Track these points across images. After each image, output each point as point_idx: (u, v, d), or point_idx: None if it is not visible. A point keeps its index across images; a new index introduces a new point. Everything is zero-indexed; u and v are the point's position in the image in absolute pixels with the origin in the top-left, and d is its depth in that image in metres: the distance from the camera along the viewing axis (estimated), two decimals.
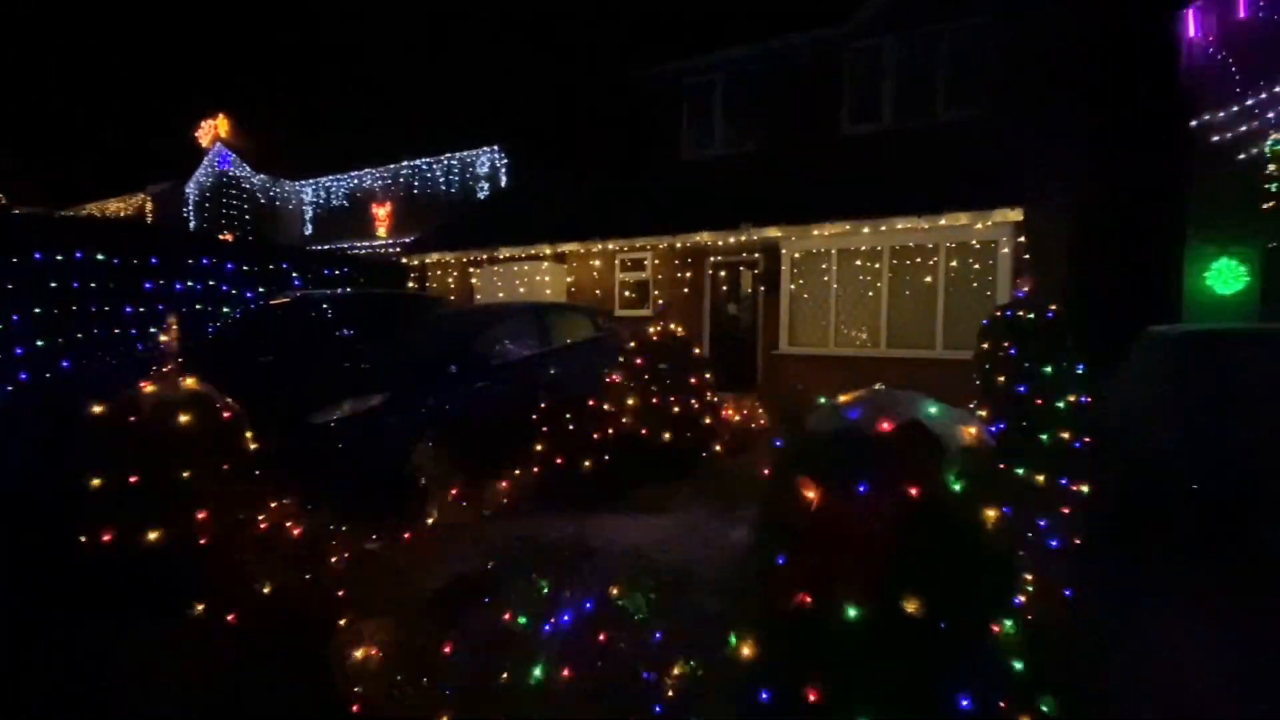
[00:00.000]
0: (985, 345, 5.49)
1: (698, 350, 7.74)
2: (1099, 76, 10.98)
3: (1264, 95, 9.32)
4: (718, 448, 7.16)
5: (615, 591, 2.62)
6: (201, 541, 2.65)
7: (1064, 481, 4.40)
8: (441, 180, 20.08)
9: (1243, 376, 5.40)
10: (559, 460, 5.77)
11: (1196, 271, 10.02)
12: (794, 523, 1.98)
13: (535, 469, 5.62)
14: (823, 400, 2.15)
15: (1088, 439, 4.58)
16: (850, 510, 1.83)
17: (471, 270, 14.14)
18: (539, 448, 5.92)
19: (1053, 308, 5.47)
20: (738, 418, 8.61)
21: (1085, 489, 4.52)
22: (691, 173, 13.28)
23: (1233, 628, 3.39)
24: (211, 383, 3.01)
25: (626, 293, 12.84)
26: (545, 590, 2.74)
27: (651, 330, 7.55)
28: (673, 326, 7.67)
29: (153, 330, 9.05)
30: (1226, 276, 9.73)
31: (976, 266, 9.58)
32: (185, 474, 2.65)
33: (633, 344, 7.42)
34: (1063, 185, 10.06)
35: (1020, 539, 2.89)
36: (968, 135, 10.48)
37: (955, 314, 9.61)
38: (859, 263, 10.43)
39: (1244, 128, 9.46)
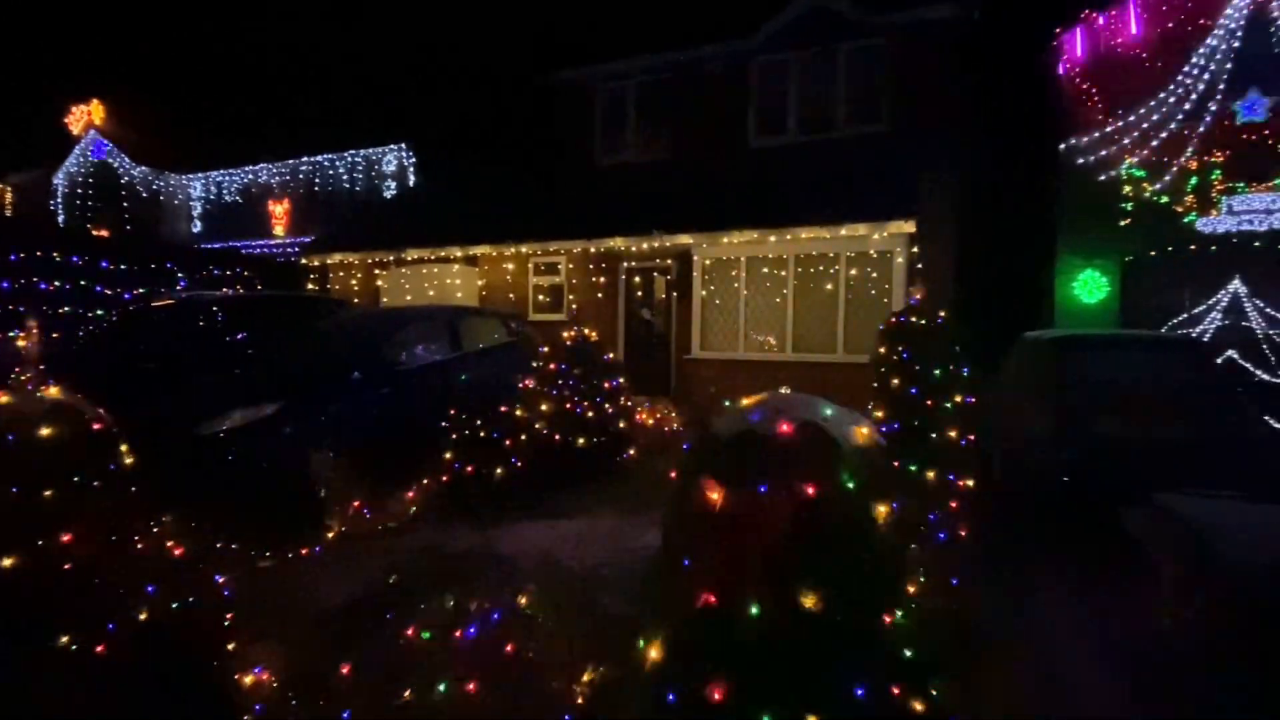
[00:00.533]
0: (882, 350, 5.79)
1: (611, 355, 7.77)
2: (982, 100, 11.85)
3: (1121, 123, 10.34)
4: (631, 452, 7.22)
5: (524, 600, 2.60)
6: (66, 566, 2.42)
7: (951, 477, 4.70)
8: (345, 178, 19.26)
9: (1097, 375, 5.98)
10: (469, 468, 5.64)
11: (1066, 282, 10.98)
12: (699, 524, 2.02)
13: (444, 478, 5.48)
14: (728, 403, 2.22)
15: (971, 437, 4.91)
16: (751, 510, 1.89)
17: (377, 272, 13.62)
18: (448, 455, 5.77)
19: (942, 314, 5.82)
20: (652, 421, 8.71)
21: (971, 483, 4.85)
22: (606, 178, 13.33)
23: (1097, 607, 3.73)
24: (82, 391, 2.76)
25: (541, 297, 12.73)
26: (451, 603, 2.67)
27: (565, 335, 7.53)
28: (586, 331, 7.67)
29: (10, 334, 8.20)
30: (1091, 287, 10.71)
31: (874, 275, 10.10)
32: (47, 493, 2.41)
33: (546, 349, 7.37)
34: (950, 200, 10.78)
35: (912, 532, 3.07)
36: (866, 150, 11.04)
37: (855, 320, 10.09)
38: (767, 270, 10.78)
39: (1105, 152, 10.46)
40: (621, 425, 7.37)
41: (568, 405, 6.80)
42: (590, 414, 7.00)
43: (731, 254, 10.92)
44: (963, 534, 4.10)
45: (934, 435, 4.85)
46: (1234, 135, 9.87)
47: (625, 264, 12.17)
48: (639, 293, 12.40)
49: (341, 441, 5.40)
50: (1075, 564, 4.31)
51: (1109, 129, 10.40)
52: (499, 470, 5.75)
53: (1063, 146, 10.86)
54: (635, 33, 13.73)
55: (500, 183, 14.64)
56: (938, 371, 5.00)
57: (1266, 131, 9.74)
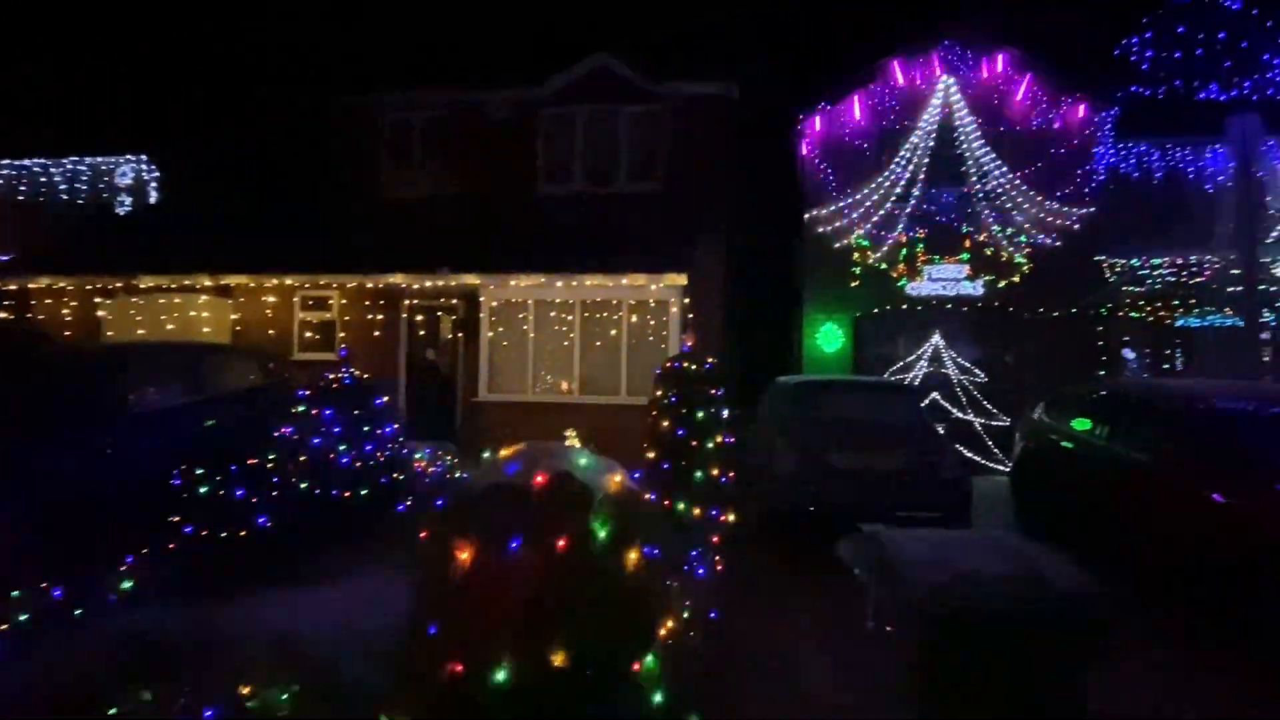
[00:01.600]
0: (658, 392, 6.13)
1: (386, 398, 7.30)
2: (744, 169, 13.31)
3: (849, 200, 12.20)
4: (408, 502, 6.78)
5: (247, 691, 2.25)
6: None
7: (715, 513, 5.05)
8: (62, 188, 16.16)
9: (832, 415, 6.90)
10: (204, 532, 4.89)
11: (811, 333, 12.55)
12: (448, 586, 1.94)
13: (170, 545, 4.68)
14: (486, 454, 2.17)
15: (732, 474, 5.33)
16: (502, 568, 1.86)
17: (99, 301, 11.53)
18: (177, 518, 4.95)
19: (710, 360, 6.32)
20: (432, 468, 8.28)
21: (731, 518, 5.25)
22: (390, 211, 12.67)
23: (840, 628, 4.21)
24: None
25: (309, 334, 11.64)
26: (150, 699, 2.23)
27: (333, 377, 6.94)
28: (358, 372, 7.15)
29: None
30: (830, 338, 12.36)
31: (653, 322, 10.72)
32: None
33: (309, 392, 6.71)
34: (718, 257, 11.85)
35: (673, 571, 3.22)
36: (645, 205, 11.79)
37: (637, 364, 10.59)
38: (554, 314, 10.94)
39: (839, 224, 12.25)
40: (396, 475, 6.92)
41: (331, 455, 6.23)
42: (358, 464, 6.48)
43: (520, 296, 10.93)
44: (719, 568, 4.40)
45: (699, 474, 5.19)
46: (931, 217, 12.13)
47: (408, 302, 11.62)
48: (423, 332, 11.88)
49: (25, 506, 4.40)
50: (818, 590, 4.85)
51: (841, 204, 12.22)
52: (241, 533, 5.05)
53: (807, 216, 12.51)
54: (428, 66, 13.39)
55: (265, 207, 13.25)
56: (701, 414, 5.39)
57: (954, 215, 12.12)
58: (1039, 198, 11.63)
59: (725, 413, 5.78)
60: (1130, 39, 12.65)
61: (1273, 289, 10.51)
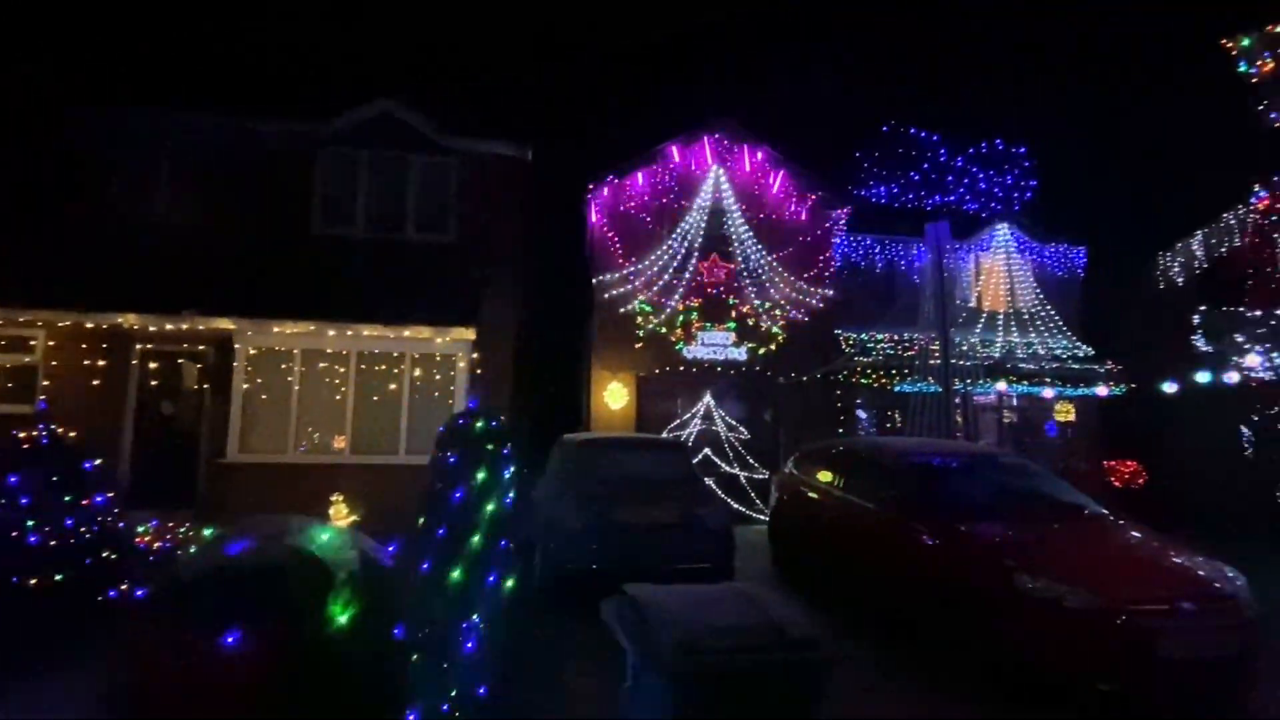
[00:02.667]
0: (439, 452, 5.86)
1: (99, 461, 6.14)
2: (538, 230, 13.61)
3: (635, 268, 12.98)
4: (124, 587, 5.67)
5: None
6: None
7: (492, 580, 4.89)
8: None
9: (613, 471, 7.14)
10: None
11: (599, 391, 12.95)
12: (155, 692, 1.65)
13: None
14: (207, 532, 1.92)
15: (509, 541, 5.23)
16: (219, 666, 1.63)
17: None
18: None
19: (498, 417, 6.20)
20: (158, 544, 7.06)
21: (510, 583, 5.12)
22: (129, 241, 10.74)
23: (607, 691, 4.23)
24: None
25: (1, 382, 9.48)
26: None
27: (24, 435, 5.70)
28: (60, 429, 5.95)
29: None
30: (616, 396, 12.85)
31: (438, 377, 10.34)
32: None
33: None
34: (510, 313, 11.84)
35: (434, 647, 3.05)
36: (435, 256, 11.44)
37: (419, 421, 10.08)
38: (326, 365, 10.09)
39: (625, 288, 12.94)
40: (106, 554, 5.77)
41: (14, 532, 5.06)
42: (54, 541, 5.31)
43: (284, 344, 9.94)
44: (494, 640, 4.25)
45: (476, 539, 5.02)
46: (703, 288, 13.30)
47: (141, 346, 10.00)
48: (157, 382, 10.24)
49: None
50: (585, 652, 4.88)
51: (627, 271, 12.96)
52: None
53: (596, 280, 13.06)
54: (192, 82, 11.97)
55: None
56: (483, 475, 5.26)
57: (723, 288, 13.41)
58: (791, 277, 13.35)
59: (509, 472, 5.70)
60: (859, 153, 15.27)
61: (963, 363, 13.01)
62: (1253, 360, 8.40)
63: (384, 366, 10.23)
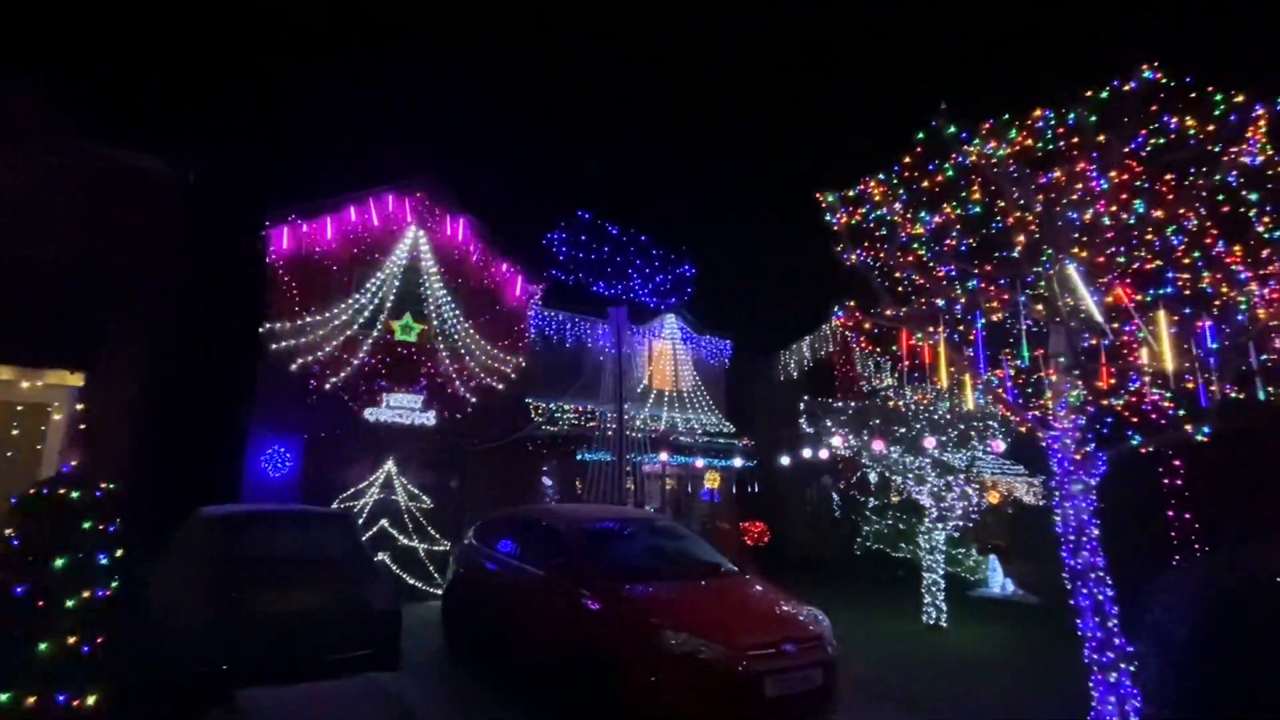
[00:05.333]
0: (7, 530, 4.46)
1: None
2: (191, 263, 11.66)
3: (314, 319, 11.84)
4: None
5: None
6: None
7: (62, 699, 3.81)
8: None
9: (257, 551, 6.18)
10: None
11: (256, 456, 11.29)
12: None
13: None
14: None
15: (100, 639, 4.17)
16: None
17: None
18: None
19: (105, 485, 4.97)
20: None
21: (92, 701, 4.04)
22: None
23: None
24: None
25: None
26: None
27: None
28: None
29: None
30: (278, 462, 11.33)
31: (18, 432, 8.02)
32: None
33: None
34: (139, 356, 9.79)
35: None
36: (36, 279, 9.03)
37: None
38: None
39: (300, 341, 11.68)
40: None
41: None
42: None
43: None
44: None
45: (44, 645, 3.89)
46: (393, 348, 12.67)
47: None
48: None
49: None
50: None
51: (305, 322, 11.75)
52: None
53: (265, 329, 11.57)
54: None
55: None
56: (62, 562, 4.13)
57: (414, 349, 12.91)
58: (486, 344, 13.45)
59: (106, 557, 4.58)
60: (553, 234, 16.32)
61: (635, 434, 14.30)
62: (838, 440, 10.79)
63: None
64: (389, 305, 12.55)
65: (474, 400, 13.10)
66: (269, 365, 11.51)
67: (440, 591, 10.71)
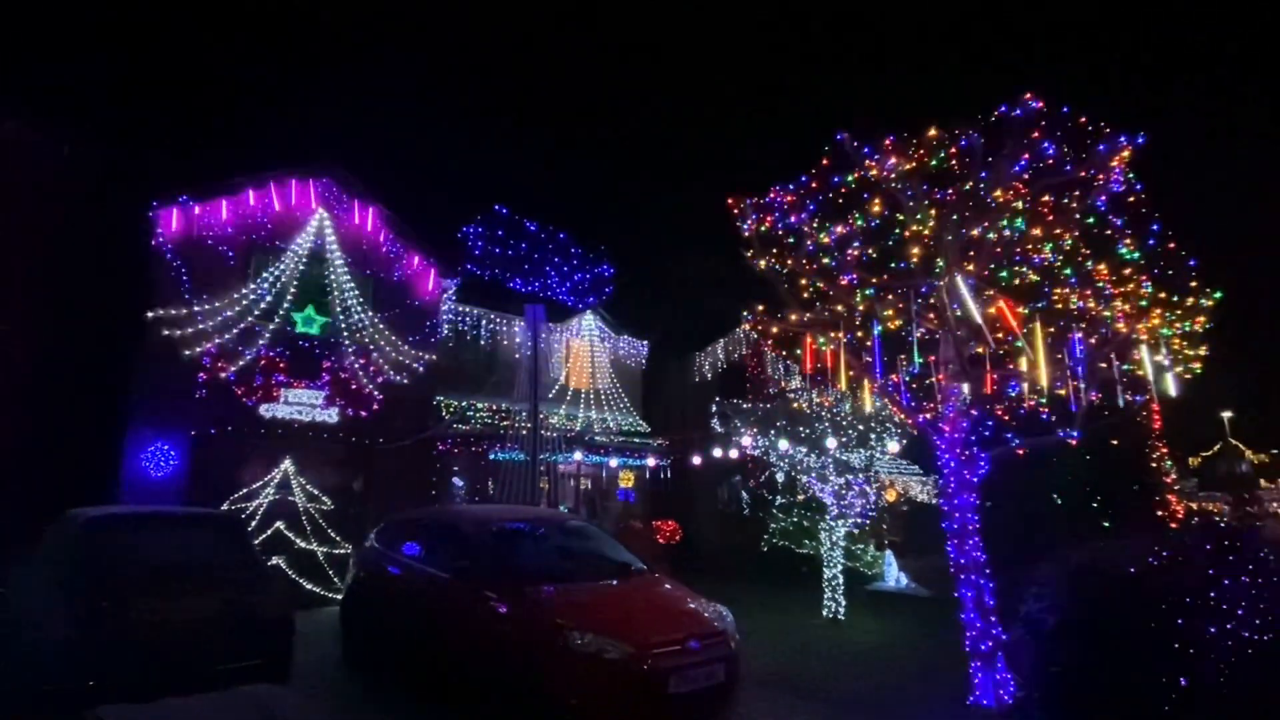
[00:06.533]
0: None
1: None
2: (62, 242, 10.68)
3: (206, 307, 11.08)
4: None
5: None
6: None
7: None
8: None
9: (132, 556, 5.72)
10: None
11: (137, 454, 10.45)
12: None
13: None
14: None
15: None
16: None
17: None
18: None
19: None
20: None
21: None
22: None
23: None
24: None
25: None
26: None
27: None
28: None
29: None
30: (161, 460, 10.53)
31: None
32: None
33: None
34: (1, 345, 8.90)
35: None
36: None
37: None
38: None
39: (190, 330, 10.90)
40: None
41: None
42: None
43: None
44: None
45: None
46: (294, 340, 12.03)
47: None
48: None
49: None
50: None
51: (195, 310, 10.98)
52: None
53: (150, 316, 10.74)
54: None
55: None
56: None
57: (317, 342, 12.30)
58: (395, 339, 12.97)
59: None
60: (468, 228, 15.94)
61: (550, 434, 14.16)
62: (748, 440, 11.08)
63: None
64: (290, 295, 11.90)
65: (381, 397, 12.61)
66: (154, 355, 10.69)
67: (339, 597, 10.28)
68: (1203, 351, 6.16)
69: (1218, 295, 5.81)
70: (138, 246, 11.38)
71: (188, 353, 10.82)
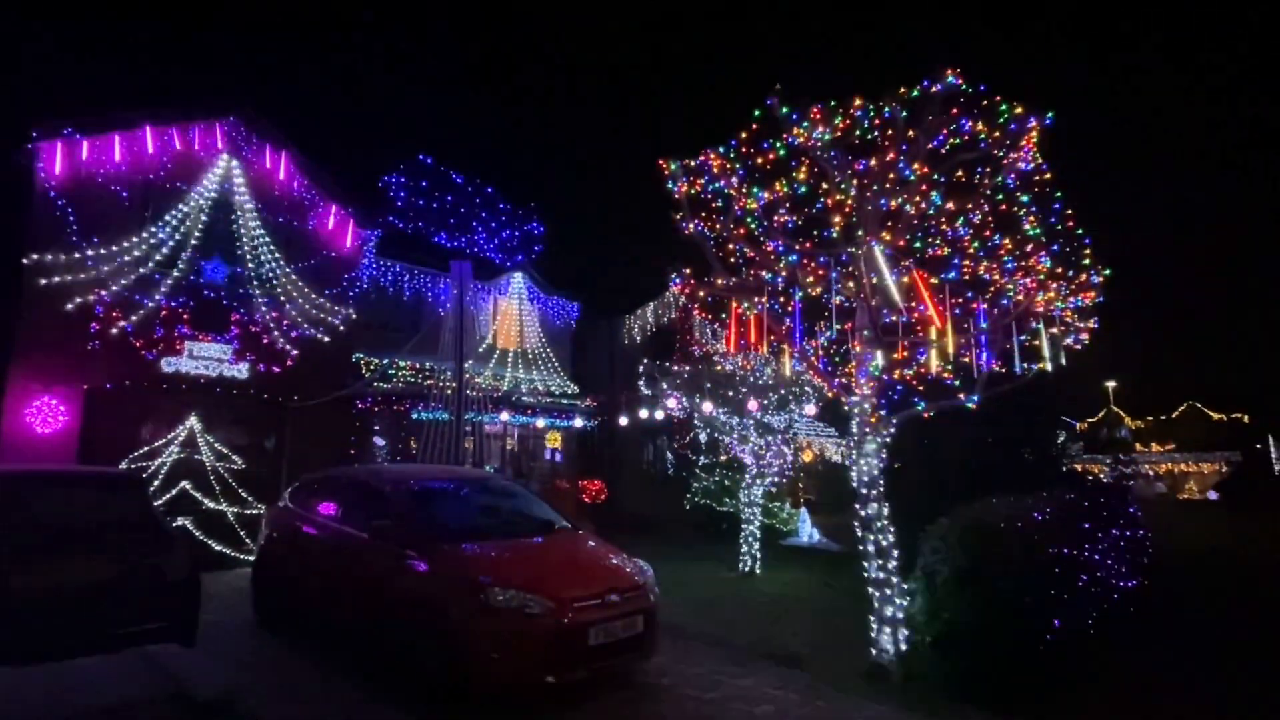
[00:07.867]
0: None
1: None
2: None
3: (98, 253, 10.24)
4: None
5: None
6: None
7: None
8: None
9: (12, 519, 5.35)
10: None
11: (19, 409, 9.68)
12: None
13: None
14: None
15: None
16: None
17: None
18: None
19: None
20: None
21: None
22: None
23: None
24: None
25: None
26: None
27: None
28: None
29: None
30: (48, 416, 9.80)
31: None
32: None
33: None
34: None
35: None
36: None
37: None
38: None
39: (79, 277, 10.07)
40: None
41: None
42: None
43: None
44: None
45: None
46: (198, 291, 11.31)
47: None
48: None
49: None
50: None
51: (84, 256, 10.14)
52: None
53: (31, 259, 9.85)
54: None
55: None
56: None
57: (224, 293, 11.61)
58: (311, 293, 12.39)
59: None
60: (390, 177, 15.25)
61: (476, 394, 13.96)
62: (673, 402, 11.26)
63: None
64: (194, 242, 11.14)
65: (295, 352, 12.08)
66: (35, 303, 9.86)
67: (250, 558, 9.95)
68: (1092, 325, 6.62)
69: (1108, 272, 6.24)
70: (15, 183, 10.36)
71: (75, 301, 10.01)
